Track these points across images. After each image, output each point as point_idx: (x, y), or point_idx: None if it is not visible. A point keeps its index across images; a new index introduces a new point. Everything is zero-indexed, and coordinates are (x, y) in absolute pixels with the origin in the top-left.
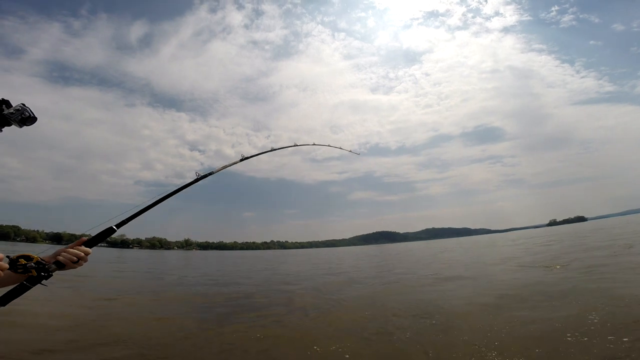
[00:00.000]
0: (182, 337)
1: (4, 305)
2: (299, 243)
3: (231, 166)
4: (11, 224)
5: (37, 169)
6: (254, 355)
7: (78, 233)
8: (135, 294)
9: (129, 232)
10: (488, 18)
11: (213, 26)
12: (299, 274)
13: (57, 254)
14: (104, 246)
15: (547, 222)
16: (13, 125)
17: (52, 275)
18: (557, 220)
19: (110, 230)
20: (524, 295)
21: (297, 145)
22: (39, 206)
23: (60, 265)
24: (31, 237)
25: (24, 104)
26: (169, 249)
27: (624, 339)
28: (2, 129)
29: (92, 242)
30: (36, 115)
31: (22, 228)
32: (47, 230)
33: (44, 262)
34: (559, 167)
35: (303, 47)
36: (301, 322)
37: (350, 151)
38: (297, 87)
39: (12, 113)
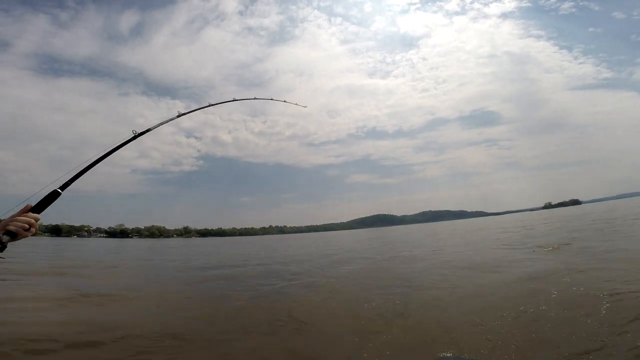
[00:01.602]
0: None
1: None
2: (297, 228)
3: (168, 122)
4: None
5: (32, 161)
6: None
7: (77, 224)
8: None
9: (127, 221)
10: (486, 4)
11: (206, 13)
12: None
13: (5, 224)
14: (102, 237)
15: (543, 205)
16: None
17: (6, 246)
18: (552, 204)
19: (54, 194)
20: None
21: (236, 100)
22: None
23: (13, 235)
24: None
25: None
26: (168, 237)
27: None
28: None
29: (38, 207)
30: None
31: None
32: (45, 223)
33: None
34: (555, 150)
35: (299, 33)
36: None
37: (296, 104)
38: (293, 72)
39: None
